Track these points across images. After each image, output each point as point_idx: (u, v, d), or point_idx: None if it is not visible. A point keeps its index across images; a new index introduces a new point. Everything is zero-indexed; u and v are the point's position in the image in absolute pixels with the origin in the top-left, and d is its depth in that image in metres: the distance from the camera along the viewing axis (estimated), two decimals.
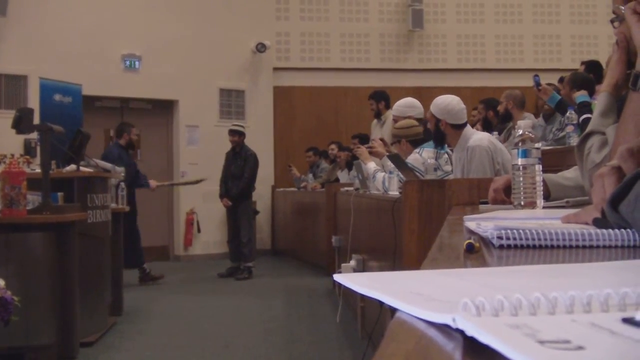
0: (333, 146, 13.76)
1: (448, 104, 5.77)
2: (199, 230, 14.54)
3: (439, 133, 5.84)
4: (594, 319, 0.61)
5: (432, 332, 0.65)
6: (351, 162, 11.24)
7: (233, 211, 11.65)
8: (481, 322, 0.60)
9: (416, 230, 4.38)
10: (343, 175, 12.80)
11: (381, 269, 5.89)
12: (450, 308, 0.66)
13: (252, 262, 11.54)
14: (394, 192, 5.93)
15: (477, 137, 5.74)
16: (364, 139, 11.00)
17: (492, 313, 0.63)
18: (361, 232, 7.19)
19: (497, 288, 0.78)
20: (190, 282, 11.30)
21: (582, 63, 9.29)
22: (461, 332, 0.62)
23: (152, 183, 11.18)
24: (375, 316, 5.38)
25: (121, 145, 10.82)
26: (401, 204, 4.60)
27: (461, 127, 5.77)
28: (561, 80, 9.28)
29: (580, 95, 7.04)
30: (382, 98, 10.21)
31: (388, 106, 10.08)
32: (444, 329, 0.65)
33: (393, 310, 0.74)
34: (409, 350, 0.62)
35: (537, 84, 7.60)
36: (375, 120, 10.41)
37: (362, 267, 6.84)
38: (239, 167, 11.53)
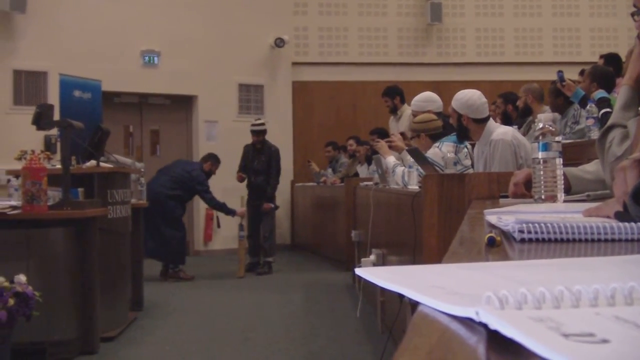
0: (351, 142, 13.74)
1: (469, 98, 5.75)
2: (218, 226, 14.55)
3: (461, 128, 5.82)
4: (618, 312, 0.61)
5: (455, 326, 0.65)
6: (371, 157, 11.25)
7: (256, 207, 11.58)
8: (505, 316, 0.60)
9: (436, 224, 4.37)
10: (362, 170, 12.80)
11: (401, 263, 5.89)
12: (473, 301, 0.66)
13: (272, 257, 11.54)
14: (414, 187, 5.92)
15: (501, 130, 5.72)
16: (383, 133, 10.98)
17: (515, 306, 0.63)
18: (381, 226, 7.18)
19: (520, 281, 0.77)
20: (210, 277, 11.32)
21: (601, 56, 9.26)
22: (484, 325, 0.62)
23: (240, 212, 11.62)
24: (396, 311, 5.38)
25: (203, 170, 11.37)
26: (421, 198, 4.60)
27: (484, 121, 5.75)
28: (582, 73, 9.25)
29: (599, 92, 7.03)
30: (396, 93, 10.19)
31: (403, 101, 10.06)
32: (467, 322, 0.65)
33: (414, 305, 0.74)
34: (432, 343, 0.62)
35: (561, 79, 7.56)
36: (392, 117, 10.39)
37: (382, 262, 6.84)
38: (263, 162, 11.48)
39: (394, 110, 10.21)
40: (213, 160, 11.55)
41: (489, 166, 5.53)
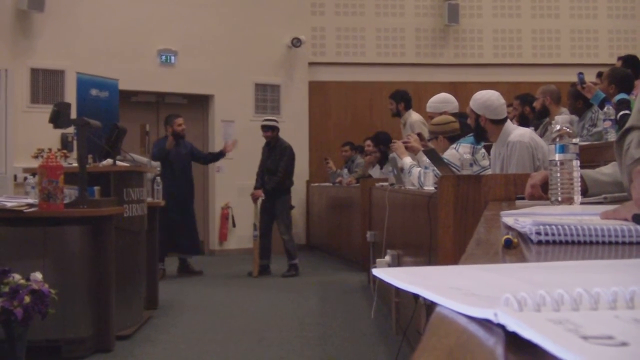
0: (368, 142, 13.68)
1: (487, 99, 5.70)
2: (233, 225, 14.59)
3: (479, 128, 5.78)
4: (637, 315, 0.61)
5: (473, 327, 0.65)
6: (382, 158, 11.30)
7: (269, 207, 11.38)
8: (523, 317, 0.60)
9: (452, 225, 4.36)
10: (375, 171, 12.76)
11: (416, 264, 5.88)
12: (491, 303, 0.66)
13: (296, 259, 11.41)
14: (430, 188, 5.91)
15: (519, 132, 5.68)
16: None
17: (534, 308, 0.63)
18: (396, 227, 7.18)
19: (538, 283, 0.77)
20: (225, 276, 11.34)
21: (619, 58, 9.23)
22: (502, 327, 0.61)
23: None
24: (410, 312, 5.37)
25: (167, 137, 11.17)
26: (437, 200, 4.59)
27: (501, 122, 5.71)
28: (599, 75, 9.23)
29: (619, 95, 7.02)
30: (402, 99, 10.04)
31: (408, 107, 9.97)
32: (485, 324, 0.64)
33: (429, 306, 0.74)
34: (451, 344, 0.62)
35: (582, 81, 7.53)
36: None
37: (397, 263, 6.83)
38: (275, 161, 11.27)
39: (397, 114, 10.14)
40: (169, 120, 11.33)
41: (506, 168, 5.50)
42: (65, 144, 12.27)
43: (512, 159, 5.47)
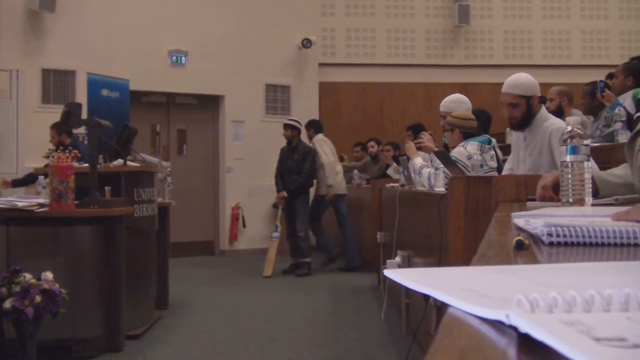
0: (372, 143, 13.68)
1: (531, 79, 5.55)
2: (244, 225, 14.58)
3: (530, 112, 5.51)
4: None
5: (486, 328, 0.65)
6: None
7: (290, 206, 11.47)
8: (535, 319, 0.60)
9: (462, 226, 4.36)
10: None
11: (427, 265, 5.87)
12: (503, 304, 0.66)
13: (309, 257, 11.45)
14: (440, 189, 5.90)
15: (556, 120, 5.47)
16: (418, 129, 10.95)
17: (546, 309, 0.63)
18: (406, 228, 7.16)
19: (550, 285, 0.77)
20: (235, 276, 11.34)
21: (632, 59, 9.19)
22: (515, 328, 0.61)
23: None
24: (420, 313, 5.37)
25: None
26: (447, 201, 4.58)
27: (542, 102, 5.56)
28: (609, 76, 9.20)
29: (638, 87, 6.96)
30: (311, 126, 12.05)
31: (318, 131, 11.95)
32: (497, 325, 0.64)
33: (439, 307, 0.74)
34: (463, 345, 0.62)
35: (602, 89, 7.49)
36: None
37: (407, 264, 6.82)
38: (297, 162, 11.36)
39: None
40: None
41: (546, 153, 5.32)
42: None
43: (555, 145, 5.20)
